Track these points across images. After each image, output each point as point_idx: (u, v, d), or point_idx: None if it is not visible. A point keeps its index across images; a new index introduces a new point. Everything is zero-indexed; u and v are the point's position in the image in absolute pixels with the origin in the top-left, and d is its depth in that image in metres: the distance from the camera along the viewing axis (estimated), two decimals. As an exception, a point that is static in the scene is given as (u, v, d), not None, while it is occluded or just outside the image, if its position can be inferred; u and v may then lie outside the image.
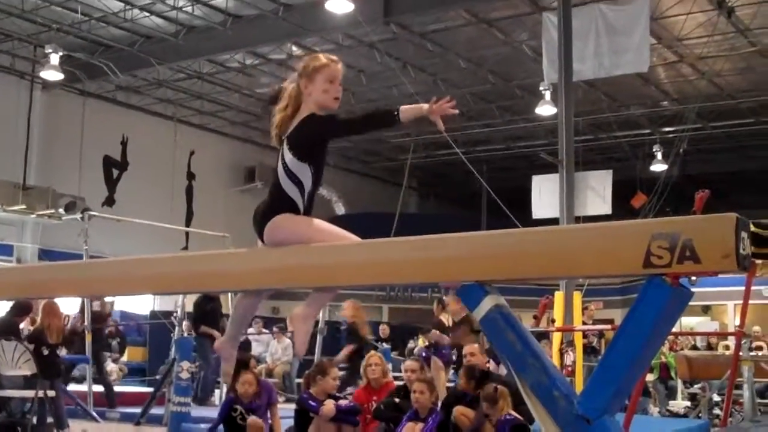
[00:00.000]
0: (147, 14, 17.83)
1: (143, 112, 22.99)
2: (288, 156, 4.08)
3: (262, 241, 4.13)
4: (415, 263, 3.57)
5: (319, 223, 4.08)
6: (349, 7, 14.94)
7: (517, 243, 3.43)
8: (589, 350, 13.99)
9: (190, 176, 24.26)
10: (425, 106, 4.00)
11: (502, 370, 9.17)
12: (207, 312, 12.92)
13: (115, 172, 22.60)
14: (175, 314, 11.91)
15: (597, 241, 3.22)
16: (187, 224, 22.94)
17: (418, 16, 17.30)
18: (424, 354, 11.60)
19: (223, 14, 17.69)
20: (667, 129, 22.85)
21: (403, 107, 4.01)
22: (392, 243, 3.74)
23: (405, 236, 3.68)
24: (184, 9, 17.41)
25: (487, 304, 3.35)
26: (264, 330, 18.32)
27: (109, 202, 22.17)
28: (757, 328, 16.49)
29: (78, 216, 14.90)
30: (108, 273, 4.73)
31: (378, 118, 4.19)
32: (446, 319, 11.90)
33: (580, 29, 14.96)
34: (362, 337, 11.92)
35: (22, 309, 10.52)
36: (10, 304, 10.27)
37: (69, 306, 12.62)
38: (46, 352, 9.77)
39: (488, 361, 9.03)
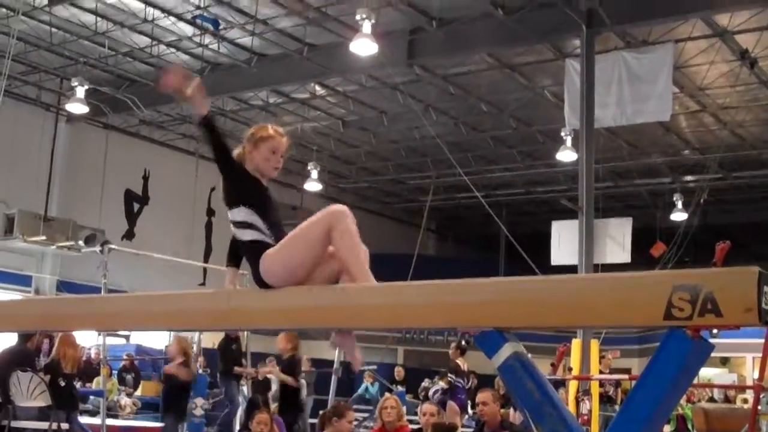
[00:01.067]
0: (173, 50, 18.02)
1: (166, 147, 23.17)
2: (229, 214, 4.31)
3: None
4: (435, 307, 3.55)
5: (288, 239, 4.11)
6: (374, 49, 15.02)
7: (539, 290, 3.41)
8: (605, 399, 13.87)
9: (210, 212, 24.34)
10: None
11: (518, 418, 9.11)
12: (233, 352, 13.00)
13: (136, 206, 22.73)
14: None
15: (618, 291, 3.20)
16: (206, 260, 22.98)
17: (442, 59, 17.40)
18: (440, 397, 11.53)
19: (248, 52, 17.86)
20: (688, 178, 22.81)
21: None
22: (412, 286, 3.73)
23: (423, 279, 3.68)
24: (209, 46, 17.59)
25: (506, 351, 3.33)
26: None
27: (129, 235, 22.27)
28: (776, 381, 16.29)
29: (97, 249, 14.95)
30: (127, 308, 4.73)
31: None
32: (462, 363, 11.86)
33: (603, 76, 15.00)
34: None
35: (27, 334, 10.44)
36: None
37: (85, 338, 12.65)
38: (62, 383, 9.64)
39: (501, 408, 8.93)
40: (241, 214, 4.24)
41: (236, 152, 4.45)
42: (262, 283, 4.09)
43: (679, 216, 22.80)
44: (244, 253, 4.26)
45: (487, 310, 3.39)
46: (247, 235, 4.20)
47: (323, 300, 3.91)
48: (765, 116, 19.73)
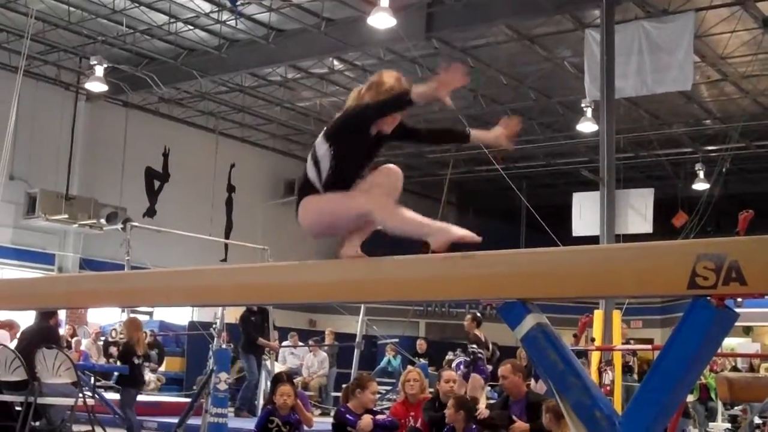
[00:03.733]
0: (191, 27, 18.02)
1: (185, 124, 23.21)
2: (317, 140, 4.10)
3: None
4: (457, 280, 3.55)
5: (331, 195, 4.03)
6: (392, 23, 14.97)
7: (562, 261, 3.40)
8: (626, 369, 13.87)
9: (230, 188, 24.44)
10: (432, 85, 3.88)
11: (540, 387, 9.11)
12: (255, 325, 13.06)
13: (157, 184, 22.83)
14: (213, 325, 11.97)
15: (642, 260, 3.19)
16: (227, 236, 23.09)
17: (460, 31, 17.29)
18: (463, 370, 11.52)
19: (266, 28, 17.83)
20: (710, 148, 22.65)
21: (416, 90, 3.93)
22: (434, 259, 3.73)
23: (444, 252, 3.68)
24: (227, 23, 17.56)
25: (529, 322, 3.33)
26: (300, 343, 18.39)
27: (150, 213, 22.39)
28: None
29: (119, 226, 15.06)
30: (150, 284, 4.76)
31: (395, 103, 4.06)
32: (481, 334, 11.85)
33: (623, 46, 14.88)
34: (134, 356, 10.63)
35: (49, 312, 10.63)
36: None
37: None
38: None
39: (528, 380, 8.93)
40: (322, 149, 4.07)
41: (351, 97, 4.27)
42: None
43: (701, 186, 22.68)
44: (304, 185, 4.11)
45: (511, 282, 3.39)
46: (308, 170, 4.07)
47: (345, 273, 3.92)
48: (788, 84, 19.54)
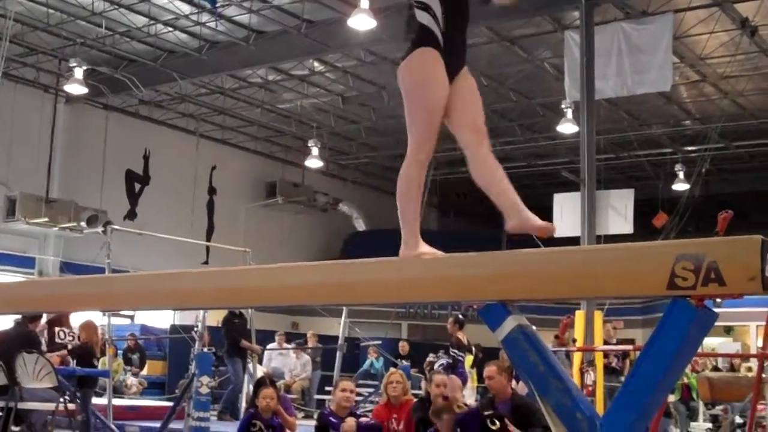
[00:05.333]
0: (171, 29, 17.96)
1: (165, 126, 23.13)
2: None
3: None
4: (438, 282, 3.56)
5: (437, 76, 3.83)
6: (372, 24, 14.98)
7: (542, 262, 3.41)
8: (609, 371, 13.90)
9: (212, 191, 24.37)
10: None
11: (522, 388, 9.13)
12: (237, 327, 13.05)
13: (137, 186, 22.73)
14: (195, 329, 11.93)
15: (622, 261, 3.20)
16: (208, 239, 23.02)
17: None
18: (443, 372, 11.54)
19: (246, 30, 17.79)
20: (690, 148, 22.76)
21: None
22: (415, 261, 3.73)
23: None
24: (207, 24, 17.52)
25: (509, 324, 3.33)
26: (285, 344, 18.35)
27: (131, 215, 22.29)
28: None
29: (100, 230, 14.96)
30: (131, 287, 4.74)
31: None
32: (462, 336, 11.87)
33: (603, 47, 14.95)
34: (93, 357, 11.06)
35: (33, 315, 10.59)
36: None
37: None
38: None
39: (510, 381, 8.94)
40: None
41: None
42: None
43: (681, 186, 22.79)
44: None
45: (491, 284, 3.40)
46: (419, 16, 3.81)
47: (325, 276, 3.91)
48: (766, 85, 19.67)
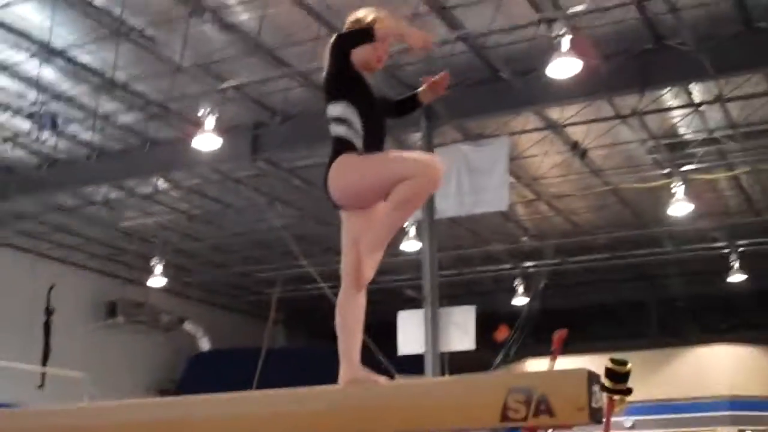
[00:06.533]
0: (9, 145, 17.48)
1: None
2: (327, 107, 4.20)
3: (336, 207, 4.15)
4: (278, 417, 3.54)
5: (384, 155, 4.09)
6: (218, 144, 15.07)
7: (382, 397, 3.45)
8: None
9: (49, 311, 23.42)
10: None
11: None
12: None
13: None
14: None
15: (458, 395, 3.29)
16: (44, 362, 22.04)
17: (286, 152, 17.49)
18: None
19: (88, 148, 17.49)
20: (528, 264, 23.51)
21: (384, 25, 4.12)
22: (254, 396, 3.71)
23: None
24: (46, 144, 17.12)
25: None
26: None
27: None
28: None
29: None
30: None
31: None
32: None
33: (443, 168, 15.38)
34: None
35: None
36: None
37: None
38: None
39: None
40: (339, 109, 4.14)
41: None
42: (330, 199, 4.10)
43: (520, 301, 23.44)
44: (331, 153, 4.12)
45: (332, 419, 3.41)
46: (338, 131, 4.12)
47: (151, 415, 3.83)
48: (597, 203, 20.63)
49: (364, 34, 4.09)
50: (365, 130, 4.10)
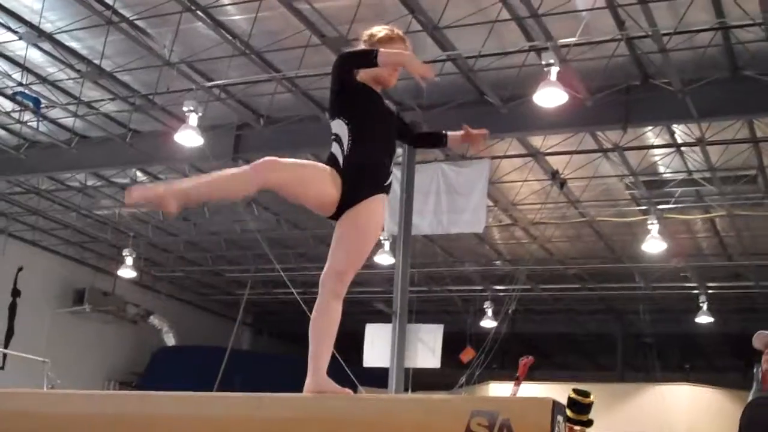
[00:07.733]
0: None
1: (-29, 222, 22.12)
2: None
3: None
4: (236, 422, 3.53)
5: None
6: (199, 141, 15.02)
7: (345, 410, 3.45)
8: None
9: (15, 293, 23.22)
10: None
11: None
12: None
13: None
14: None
15: (421, 413, 3.29)
16: (6, 344, 21.86)
17: (268, 155, 17.40)
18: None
19: (69, 133, 17.39)
20: (499, 287, 23.58)
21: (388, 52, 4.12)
22: (215, 397, 3.69)
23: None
24: (28, 124, 17.03)
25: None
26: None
27: None
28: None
29: None
30: None
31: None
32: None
33: (422, 185, 15.42)
34: None
35: None
36: None
37: None
38: None
39: None
40: (335, 126, 4.16)
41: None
42: None
43: (489, 323, 23.48)
44: None
45: (295, 427, 3.40)
46: (333, 148, 4.15)
47: (110, 408, 3.81)
48: (572, 233, 20.74)
49: (365, 58, 4.09)
50: (351, 149, 4.11)
